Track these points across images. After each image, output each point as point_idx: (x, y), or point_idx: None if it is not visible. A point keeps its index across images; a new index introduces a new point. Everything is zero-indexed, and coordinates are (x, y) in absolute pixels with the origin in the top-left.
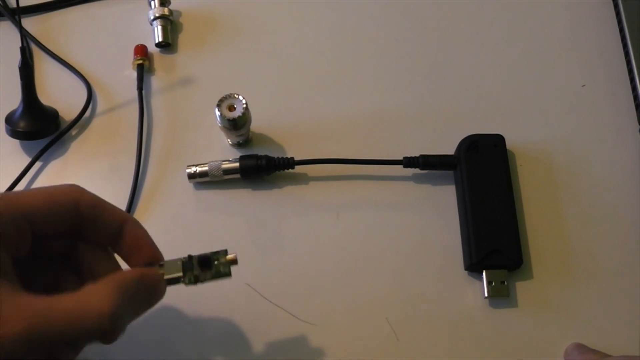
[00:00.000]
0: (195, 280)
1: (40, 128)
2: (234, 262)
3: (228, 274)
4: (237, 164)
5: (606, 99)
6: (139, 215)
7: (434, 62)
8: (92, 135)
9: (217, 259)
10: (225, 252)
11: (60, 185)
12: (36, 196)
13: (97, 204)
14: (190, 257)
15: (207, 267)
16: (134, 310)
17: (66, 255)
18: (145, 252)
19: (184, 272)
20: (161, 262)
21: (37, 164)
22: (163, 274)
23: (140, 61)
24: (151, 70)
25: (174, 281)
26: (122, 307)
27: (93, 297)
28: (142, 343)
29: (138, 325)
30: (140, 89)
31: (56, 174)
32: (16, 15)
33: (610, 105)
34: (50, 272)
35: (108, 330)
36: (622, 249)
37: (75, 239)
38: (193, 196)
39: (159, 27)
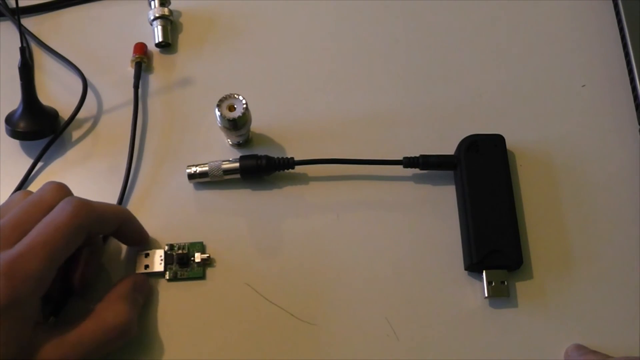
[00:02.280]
0: (175, 277)
1: (40, 128)
2: (208, 261)
3: (201, 276)
4: (237, 164)
5: (606, 99)
6: (138, 215)
7: (434, 62)
8: (92, 136)
9: (194, 257)
10: (202, 245)
11: (77, 239)
12: (52, 260)
13: (102, 224)
14: (171, 246)
15: (185, 264)
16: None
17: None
18: (137, 239)
19: (165, 267)
20: (147, 252)
21: (37, 164)
22: (148, 277)
23: (138, 59)
24: (151, 69)
25: (158, 275)
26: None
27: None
28: (142, 343)
29: (138, 326)
30: (136, 86)
31: (56, 174)
32: (16, 15)
33: (610, 105)
34: None
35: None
36: (622, 249)
37: None
38: (193, 196)
39: (159, 27)
